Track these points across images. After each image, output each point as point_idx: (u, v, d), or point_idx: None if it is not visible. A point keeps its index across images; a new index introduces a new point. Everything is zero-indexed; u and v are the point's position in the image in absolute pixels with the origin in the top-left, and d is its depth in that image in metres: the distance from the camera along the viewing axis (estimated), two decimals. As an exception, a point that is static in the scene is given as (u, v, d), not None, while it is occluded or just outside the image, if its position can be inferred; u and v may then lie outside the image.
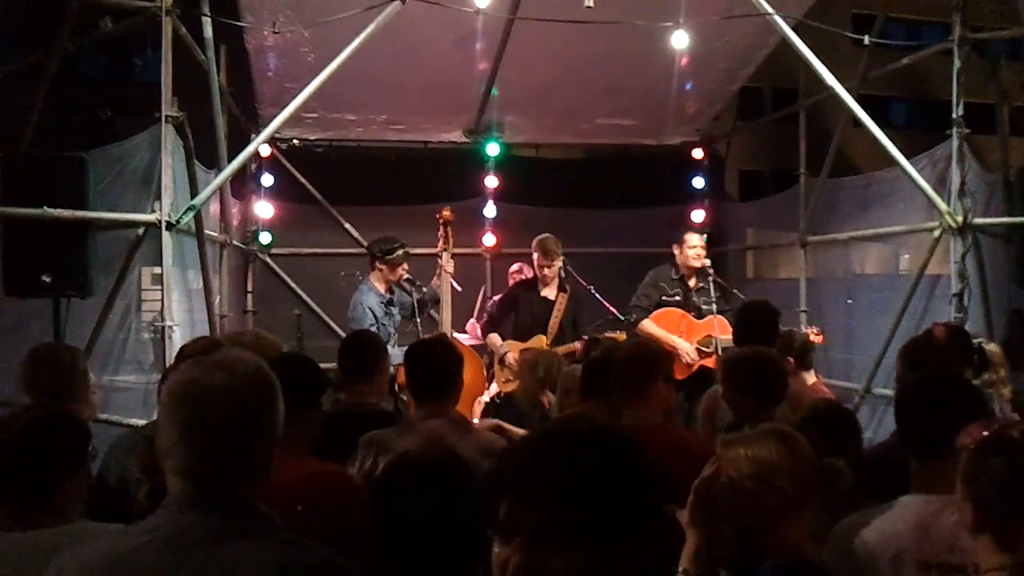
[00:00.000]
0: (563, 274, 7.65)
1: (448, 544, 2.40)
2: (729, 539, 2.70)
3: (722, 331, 6.78)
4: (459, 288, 7.73)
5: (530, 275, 8.11)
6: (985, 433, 2.35)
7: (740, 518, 2.59)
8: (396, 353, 6.74)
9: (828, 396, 5.20)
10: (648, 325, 7.25)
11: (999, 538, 2.22)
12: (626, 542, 1.59)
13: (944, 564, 2.56)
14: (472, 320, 8.66)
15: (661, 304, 7.35)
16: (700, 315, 7.26)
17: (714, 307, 7.01)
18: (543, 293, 7.59)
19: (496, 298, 8.39)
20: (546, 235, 7.59)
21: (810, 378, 5.35)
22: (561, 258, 7.53)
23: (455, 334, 7.29)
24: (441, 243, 7.39)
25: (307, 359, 3.40)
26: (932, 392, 2.96)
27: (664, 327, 7.23)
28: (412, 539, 2.46)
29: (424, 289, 7.49)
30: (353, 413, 4.20)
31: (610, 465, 1.63)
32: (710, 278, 7.17)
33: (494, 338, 7.59)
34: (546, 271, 7.49)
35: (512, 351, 7.28)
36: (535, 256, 7.56)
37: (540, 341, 7.34)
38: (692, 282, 7.38)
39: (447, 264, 7.36)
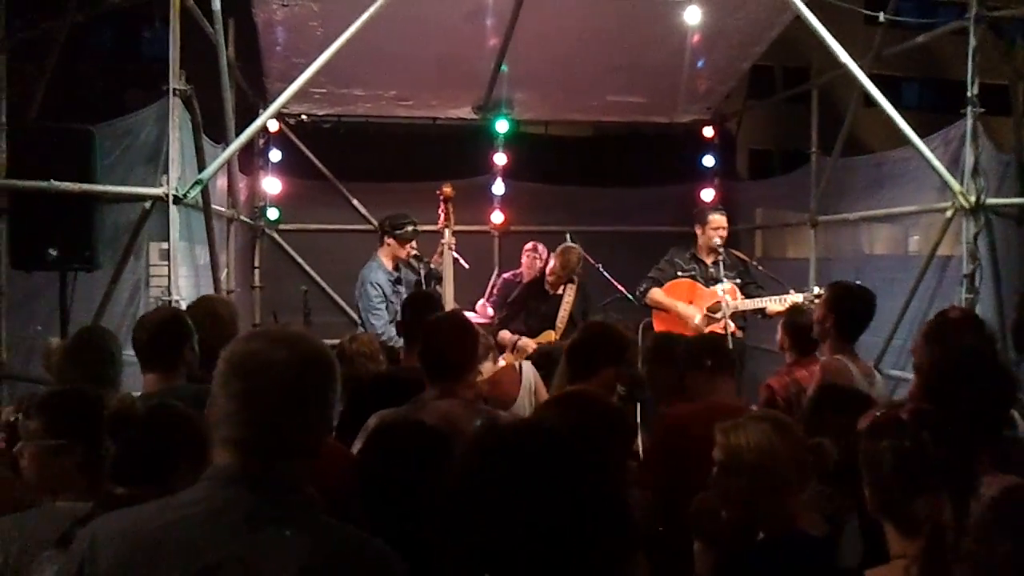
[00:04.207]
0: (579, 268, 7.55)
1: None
2: (718, 515, 2.78)
3: (731, 299, 6.93)
4: (466, 266, 7.70)
5: (543, 253, 8.05)
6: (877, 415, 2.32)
7: (738, 497, 2.67)
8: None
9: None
10: (656, 293, 7.32)
11: (899, 524, 2.19)
12: None
13: None
14: (483, 300, 8.59)
15: (676, 278, 7.37)
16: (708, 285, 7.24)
17: (725, 280, 7.03)
18: (549, 290, 7.49)
19: (506, 275, 8.32)
20: (573, 246, 7.47)
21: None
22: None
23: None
24: (442, 220, 7.33)
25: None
26: (962, 373, 2.85)
27: (673, 297, 7.28)
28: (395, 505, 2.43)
29: (432, 266, 7.47)
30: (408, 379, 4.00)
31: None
32: (721, 258, 7.18)
33: (504, 334, 7.41)
34: (553, 278, 7.40)
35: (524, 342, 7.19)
36: (554, 261, 7.41)
37: (549, 336, 7.25)
38: (709, 260, 7.32)
39: (449, 241, 7.32)
